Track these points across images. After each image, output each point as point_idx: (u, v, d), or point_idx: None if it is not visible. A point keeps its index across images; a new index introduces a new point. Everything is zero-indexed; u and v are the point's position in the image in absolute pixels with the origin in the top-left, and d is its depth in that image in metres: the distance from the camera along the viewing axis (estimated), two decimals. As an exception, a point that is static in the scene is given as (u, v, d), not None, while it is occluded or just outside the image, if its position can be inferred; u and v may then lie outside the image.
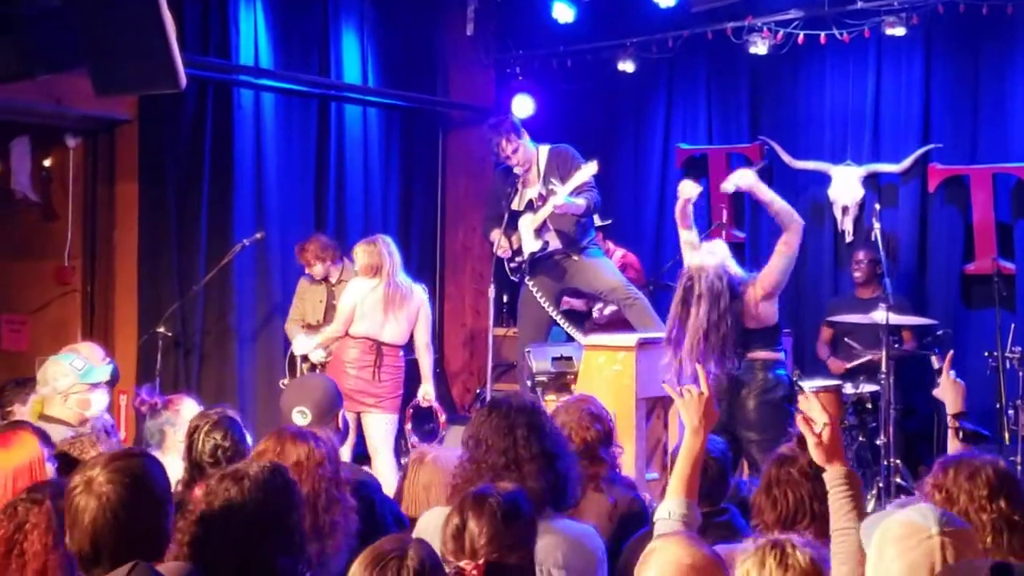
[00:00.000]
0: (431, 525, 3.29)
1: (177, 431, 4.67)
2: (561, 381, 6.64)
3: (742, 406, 5.54)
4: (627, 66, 8.67)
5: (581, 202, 6.77)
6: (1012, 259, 7.63)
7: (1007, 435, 6.54)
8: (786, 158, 8.45)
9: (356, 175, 8.92)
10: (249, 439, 4.74)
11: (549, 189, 6.86)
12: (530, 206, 6.98)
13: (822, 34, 7.89)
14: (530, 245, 6.98)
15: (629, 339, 5.90)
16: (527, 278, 7.01)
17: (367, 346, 6.81)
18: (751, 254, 8.74)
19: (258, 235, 7.88)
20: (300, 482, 3.13)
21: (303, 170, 8.60)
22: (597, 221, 7.49)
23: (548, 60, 9.10)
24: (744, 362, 5.56)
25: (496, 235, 7.01)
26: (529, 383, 6.81)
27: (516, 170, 6.97)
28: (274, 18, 8.34)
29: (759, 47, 8.03)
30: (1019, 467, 6.36)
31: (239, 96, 8.16)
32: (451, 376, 9.44)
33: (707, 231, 8.09)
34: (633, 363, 5.71)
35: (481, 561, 2.72)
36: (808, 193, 8.48)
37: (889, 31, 7.64)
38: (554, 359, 6.78)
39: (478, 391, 8.90)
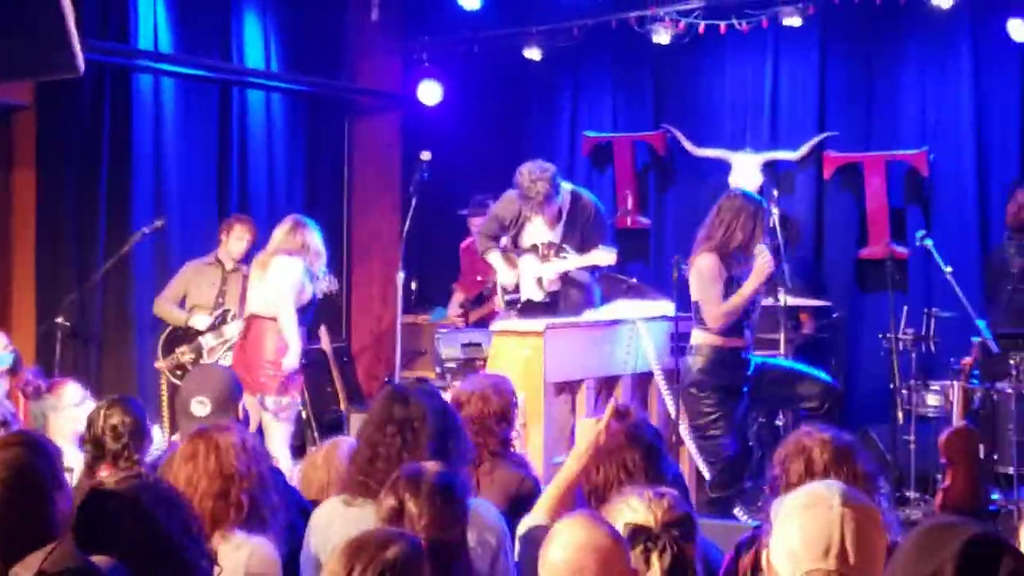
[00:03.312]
0: (325, 518, 3.33)
1: (59, 416, 4.62)
2: (471, 367, 6.69)
3: None
4: (534, 54, 8.74)
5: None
6: (905, 244, 7.90)
7: (900, 414, 6.75)
8: (688, 146, 8.63)
9: (259, 162, 8.86)
10: (156, 432, 4.74)
11: (561, 256, 6.72)
12: (535, 249, 6.83)
13: (722, 24, 8.06)
14: (531, 292, 6.83)
15: (538, 324, 5.96)
16: (517, 316, 6.79)
17: (244, 321, 6.82)
18: (655, 241, 8.92)
19: (158, 223, 7.78)
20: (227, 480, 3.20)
21: (205, 157, 8.51)
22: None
23: (455, 47, 9.10)
24: None
25: (496, 259, 6.92)
26: (438, 369, 6.84)
27: (532, 208, 6.67)
28: (174, 1, 8.23)
29: (662, 36, 8.17)
30: (912, 445, 6.61)
31: (138, 81, 8.06)
32: (358, 364, 9.41)
33: (613, 217, 8.22)
34: (542, 348, 5.74)
35: (423, 540, 2.72)
36: (710, 180, 8.64)
37: (786, 21, 7.84)
38: (463, 345, 6.84)
39: (386, 379, 8.88)
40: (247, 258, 7.30)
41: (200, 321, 7.29)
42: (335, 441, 4.22)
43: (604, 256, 6.60)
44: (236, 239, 7.39)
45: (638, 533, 2.54)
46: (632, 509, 2.60)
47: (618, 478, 3.28)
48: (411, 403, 3.48)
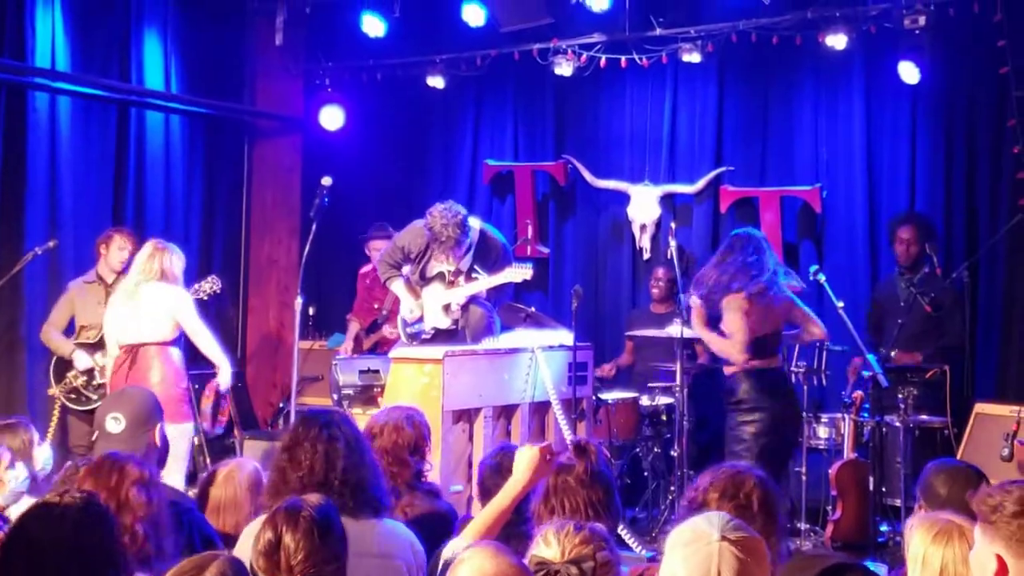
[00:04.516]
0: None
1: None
2: (368, 394, 6.67)
3: None
4: (437, 82, 8.81)
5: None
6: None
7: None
8: (588, 177, 8.73)
9: (157, 184, 8.76)
10: (46, 450, 4.63)
11: (472, 276, 6.73)
12: (441, 277, 6.79)
13: (623, 58, 8.21)
14: (436, 320, 6.81)
15: (437, 351, 5.97)
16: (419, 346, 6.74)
17: (123, 351, 6.64)
18: (555, 270, 8.98)
19: (51, 243, 7.64)
20: (121, 508, 3.18)
21: (101, 178, 8.39)
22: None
23: (358, 73, 9.14)
24: None
25: (400, 288, 6.87)
26: (335, 396, 6.78)
27: (440, 250, 6.67)
28: (73, 20, 8.12)
29: (564, 68, 8.29)
30: (804, 477, 6.71)
31: (34, 100, 7.92)
32: (253, 390, 9.30)
33: (513, 245, 8.23)
34: (440, 375, 5.74)
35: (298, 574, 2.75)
36: (608, 211, 8.79)
37: (685, 57, 7.99)
38: (361, 372, 6.80)
39: (281, 405, 8.80)
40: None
41: (81, 361, 7.09)
42: (239, 461, 4.16)
43: (518, 272, 6.60)
44: (117, 249, 7.21)
45: (540, 568, 2.56)
46: (546, 543, 2.62)
47: (585, 515, 3.26)
48: (332, 425, 3.51)
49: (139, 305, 6.56)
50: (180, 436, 6.45)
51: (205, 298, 7.28)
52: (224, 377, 6.74)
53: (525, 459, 3.39)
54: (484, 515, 3.39)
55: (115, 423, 4.20)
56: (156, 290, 6.57)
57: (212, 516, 3.98)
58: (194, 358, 8.63)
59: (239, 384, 8.85)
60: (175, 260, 6.69)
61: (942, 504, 3.38)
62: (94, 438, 4.33)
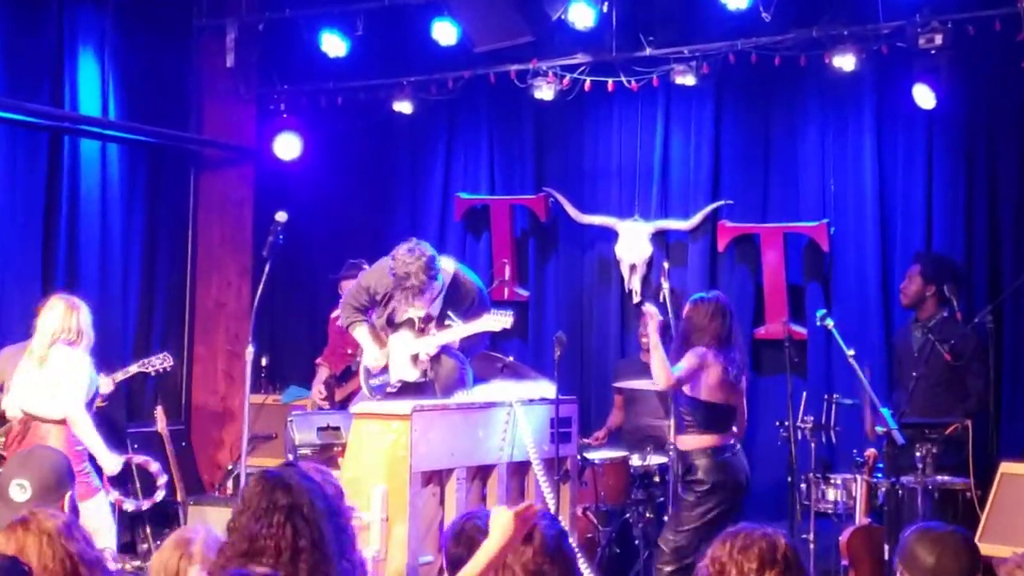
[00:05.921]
0: None
1: None
2: (328, 454, 6.61)
3: None
4: (404, 106, 8.83)
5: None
6: (803, 323, 8.06)
7: (798, 510, 6.77)
8: (572, 212, 8.73)
9: (92, 220, 8.73)
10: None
11: (445, 324, 6.61)
12: (410, 323, 6.69)
13: (610, 81, 8.25)
14: (403, 372, 6.68)
15: (404, 406, 5.85)
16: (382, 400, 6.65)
17: (20, 422, 6.54)
18: (535, 314, 9.00)
19: (-28, 287, 7.56)
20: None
21: (28, 213, 8.36)
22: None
23: (316, 97, 9.15)
24: None
25: (363, 335, 6.77)
26: (290, 456, 6.71)
27: (406, 296, 6.57)
28: (-1, 41, 8.11)
29: (544, 92, 8.32)
30: (811, 544, 6.65)
31: (-48, 128, 7.91)
32: (198, 450, 9.29)
33: (489, 288, 8.18)
34: (408, 432, 5.61)
35: None
36: (595, 250, 8.84)
37: (679, 80, 8.01)
38: (320, 429, 6.78)
39: (230, 467, 8.74)
40: None
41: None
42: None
43: (496, 320, 6.51)
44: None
45: None
46: None
47: None
48: (294, 488, 3.41)
49: (44, 372, 6.43)
50: (96, 509, 6.38)
51: (152, 373, 7.21)
52: (107, 468, 6.58)
53: (499, 524, 3.41)
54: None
55: (20, 491, 4.10)
56: (66, 357, 6.44)
57: None
58: (131, 416, 8.57)
59: (183, 444, 8.78)
60: (89, 316, 6.60)
61: (929, 575, 3.39)
62: None
